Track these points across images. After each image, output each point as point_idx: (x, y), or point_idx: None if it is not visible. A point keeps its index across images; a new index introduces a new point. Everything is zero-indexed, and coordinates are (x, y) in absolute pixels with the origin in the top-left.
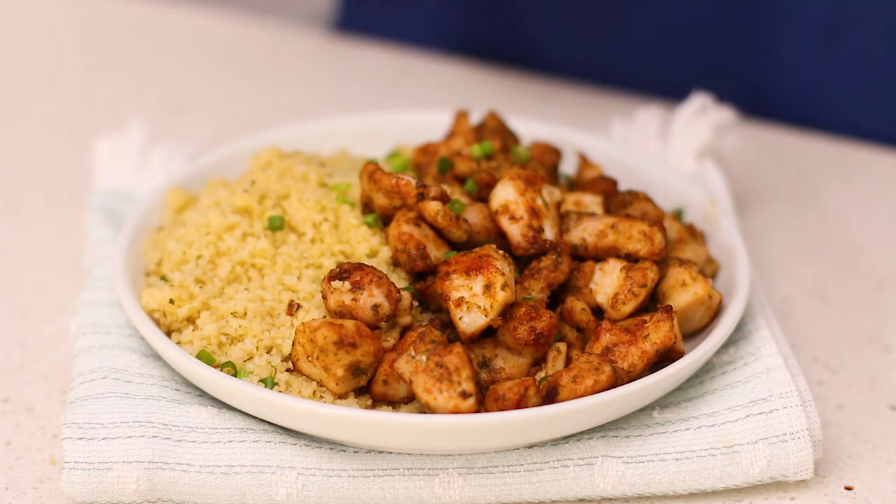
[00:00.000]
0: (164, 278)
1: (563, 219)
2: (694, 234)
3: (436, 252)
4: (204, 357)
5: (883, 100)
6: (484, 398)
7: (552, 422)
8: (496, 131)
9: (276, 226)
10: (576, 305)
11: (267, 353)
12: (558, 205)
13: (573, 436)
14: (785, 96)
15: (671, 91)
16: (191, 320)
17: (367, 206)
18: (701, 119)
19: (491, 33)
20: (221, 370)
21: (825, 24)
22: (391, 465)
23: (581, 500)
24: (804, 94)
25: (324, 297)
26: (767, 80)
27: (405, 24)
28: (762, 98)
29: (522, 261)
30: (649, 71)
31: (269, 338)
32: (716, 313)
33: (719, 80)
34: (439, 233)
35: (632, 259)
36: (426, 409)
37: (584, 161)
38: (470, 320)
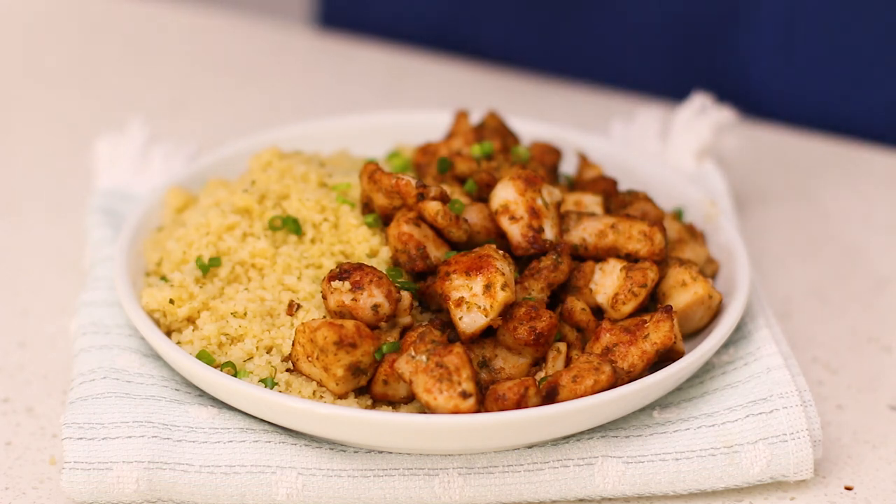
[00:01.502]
0: (164, 278)
1: (563, 219)
2: (694, 234)
3: (436, 252)
4: (204, 357)
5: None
6: (484, 398)
7: (552, 422)
8: (496, 131)
9: (293, 229)
10: (576, 305)
11: (267, 353)
12: (558, 205)
13: (573, 436)
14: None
15: (664, 90)
16: (191, 320)
17: (367, 206)
18: (701, 119)
19: (473, 29)
20: (221, 370)
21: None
22: (391, 465)
23: (581, 500)
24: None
25: (324, 297)
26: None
27: (387, 17)
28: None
29: (522, 261)
30: (641, 70)
31: (269, 338)
32: (716, 313)
33: (690, 77)
34: (439, 233)
35: (632, 259)
36: (426, 409)
37: (584, 161)
38: (470, 320)
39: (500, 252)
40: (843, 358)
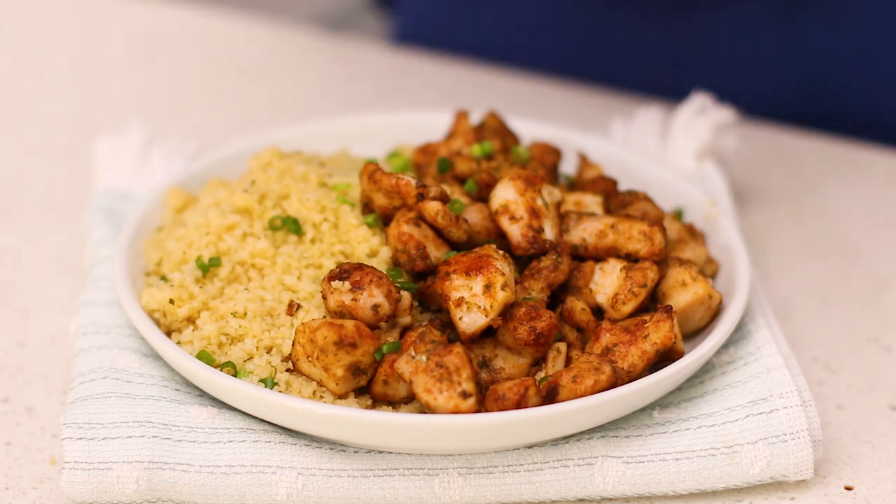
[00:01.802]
0: (164, 278)
1: (563, 219)
2: (694, 234)
3: (436, 252)
4: (204, 357)
5: None
6: (484, 398)
7: (552, 422)
8: (496, 131)
9: (293, 229)
10: (576, 305)
11: (267, 353)
12: (558, 205)
13: (573, 436)
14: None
15: (671, 91)
16: (191, 320)
17: (367, 206)
18: (701, 119)
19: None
20: (221, 370)
21: None
22: (391, 465)
23: (581, 500)
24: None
25: (324, 297)
26: None
27: (465, 34)
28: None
29: (522, 261)
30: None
31: (269, 338)
32: (716, 313)
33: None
34: (439, 233)
35: (632, 259)
36: (426, 409)
37: (584, 161)
38: (470, 320)
39: (500, 252)
40: (843, 358)
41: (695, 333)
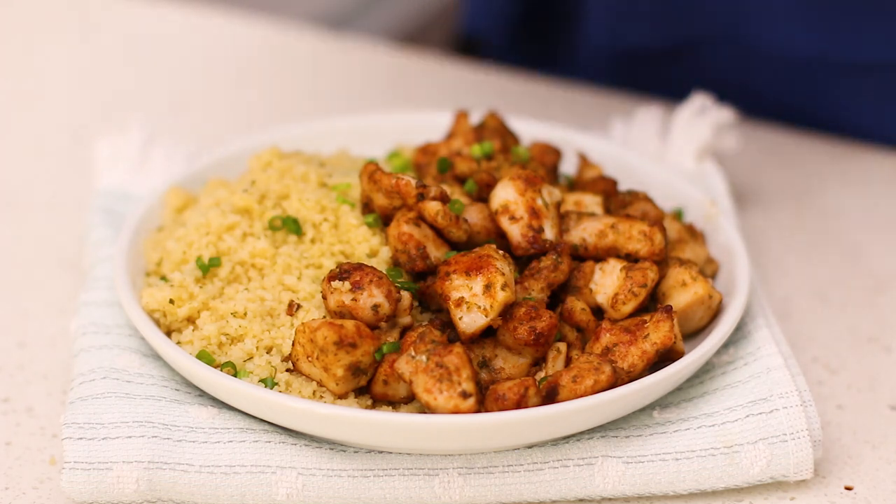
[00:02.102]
0: (164, 278)
1: (563, 219)
2: (694, 234)
3: (436, 252)
4: (204, 357)
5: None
6: (484, 398)
7: (552, 422)
8: (496, 131)
9: (293, 229)
10: (576, 305)
11: (267, 353)
12: (558, 205)
13: (573, 436)
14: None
15: (671, 91)
16: (191, 320)
17: (367, 206)
18: (701, 119)
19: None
20: (221, 370)
21: None
22: (391, 465)
23: (581, 500)
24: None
25: (324, 298)
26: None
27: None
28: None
29: (522, 261)
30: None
31: (269, 338)
32: (716, 313)
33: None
34: (439, 233)
35: (632, 259)
36: (426, 409)
37: (584, 161)
38: (470, 320)
39: (500, 252)
40: (843, 358)
41: (695, 333)
